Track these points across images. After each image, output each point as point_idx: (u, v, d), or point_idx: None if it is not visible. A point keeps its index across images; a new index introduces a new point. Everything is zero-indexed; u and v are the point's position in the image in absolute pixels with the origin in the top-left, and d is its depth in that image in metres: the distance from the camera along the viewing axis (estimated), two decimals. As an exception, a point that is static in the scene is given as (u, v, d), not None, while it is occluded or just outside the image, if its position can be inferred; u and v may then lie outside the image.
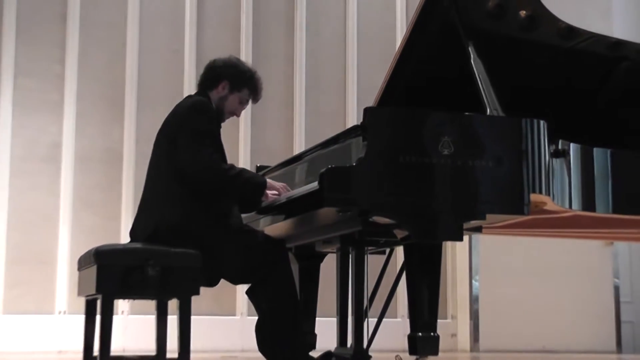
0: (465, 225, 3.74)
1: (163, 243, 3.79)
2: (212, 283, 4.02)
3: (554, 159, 3.82)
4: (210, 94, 4.25)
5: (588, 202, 4.04)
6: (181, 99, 7.62)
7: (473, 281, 8.64)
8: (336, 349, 4.19)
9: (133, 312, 7.29)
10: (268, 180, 4.11)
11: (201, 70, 4.36)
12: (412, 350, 3.64)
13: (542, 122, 3.77)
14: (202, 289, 3.83)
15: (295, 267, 4.30)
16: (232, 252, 3.91)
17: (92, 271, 3.70)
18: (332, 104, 8.45)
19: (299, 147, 7.80)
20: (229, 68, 4.27)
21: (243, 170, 4.09)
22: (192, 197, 3.94)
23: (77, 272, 4.14)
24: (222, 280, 4.07)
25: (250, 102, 4.37)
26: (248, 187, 4.04)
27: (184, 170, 3.92)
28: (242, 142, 7.87)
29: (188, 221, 3.90)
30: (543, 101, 4.57)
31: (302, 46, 8.38)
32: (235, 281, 4.16)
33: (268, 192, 4.06)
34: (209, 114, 4.11)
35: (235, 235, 3.96)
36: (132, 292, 3.76)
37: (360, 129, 3.61)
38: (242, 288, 7.34)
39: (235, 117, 4.40)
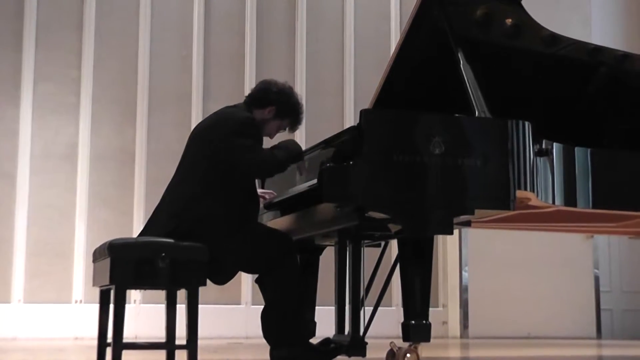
0: (455, 220, 3.73)
1: (179, 240, 3.75)
2: (223, 281, 3.98)
3: (538, 158, 3.81)
4: (255, 112, 4.13)
5: (570, 198, 4.03)
6: (190, 102, 7.77)
7: (463, 272, 8.64)
8: (334, 335, 4.19)
9: (144, 301, 7.29)
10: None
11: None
12: (406, 337, 3.64)
13: (526, 123, 3.77)
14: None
15: (297, 260, 4.29)
16: (241, 247, 3.88)
17: (106, 263, 3.69)
18: (331, 106, 8.44)
19: (299, 147, 7.79)
20: (282, 96, 4.16)
21: (282, 150, 4.03)
22: (217, 203, 3.89)
23: (92, 264, 4.13)
24: (228, 272, 4.06)
25: (288, 129, 4.29)
26: (294, 160, 4.07)
27: (248, 169, 3.93)
28: (247, 142, 7.85)
29: (207, 227, 3.85)
30: (528, 103, 4.56)
31: (302, 52, 8.37)
32: (247, 271, 4.15)
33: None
34: (258, 130, 4.03)
35: (244, 231, 3.92)
36: (143, 283, 3.76)
37: (356, 130, 3.60)
38: (246, 278, 7.37)
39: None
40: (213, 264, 3.78)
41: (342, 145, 3.74)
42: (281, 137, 4.37)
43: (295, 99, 4.22)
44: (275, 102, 4.15)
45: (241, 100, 4.27)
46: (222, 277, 3.95)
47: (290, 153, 4.03)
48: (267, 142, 4.09)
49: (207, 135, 4.02)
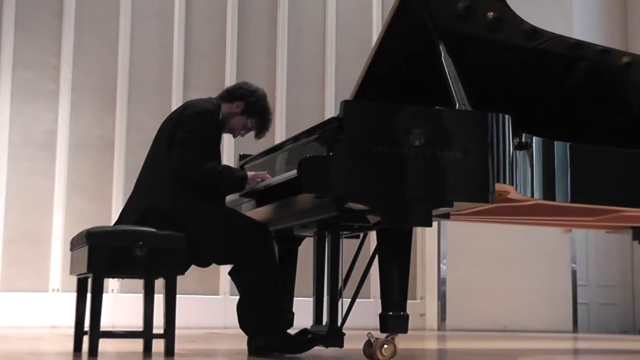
0: (434, 212, 3.74)
1: (152, 225, 3.77)
2: (202, 264, 4.01)
3: (517, 151, 3.82)
4: (224, 105, 4.25)
5: (548, 192, 4.05)
6: (170, 91, 7.74)
7: (441, 265, 8.67)
8: (312, 326, 4.19)
9: (122, 290, 7.27)
10: (249, 173, 4.10)
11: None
12: (383, 328, 3.64)
13: (507, 116, 3.78)
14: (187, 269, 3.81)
15: (275, 250, 4.29)
16: (218, 234, 3.90)
17: (84, 251, 3.68)
18: (312, 97, 8.44)
19: (279, 137, 7.77)
20: (253, 96, 4.26)
21: (224, 169, 4.07)
22: (184, 186, 3.93)
23: (69, 252, 4.11)
24: (207, 261, 4.06)
25: (254, 134, 4.35)
26: (229, 184, 4.06)
27: (173, 166, 3.93)
28: (227, 132, 7.84)
29: (177, 207, 3.89)
30: (508, 97, 4.56)
31: (283, 43, 8.36)
32: (221, 261, 4.14)
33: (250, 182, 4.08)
34: (212, 124, 4.12)
35: (221, 218, 3.95)
36: (121, 272, 3.75)
37: (337, 121, 3.60)
38: (225, 269, 7.35)
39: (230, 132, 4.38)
40: (192, 248, 3.80)
41: (322, 136, 3.74)
42: (250, 144, 4.39)
43: (266, 103, 4.31)
44: (245, 98, 4.25)
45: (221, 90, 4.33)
46: (203, 260, 3.97)
47: (231, 180, 4.03)
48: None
49: (169, 127, 4.09)
